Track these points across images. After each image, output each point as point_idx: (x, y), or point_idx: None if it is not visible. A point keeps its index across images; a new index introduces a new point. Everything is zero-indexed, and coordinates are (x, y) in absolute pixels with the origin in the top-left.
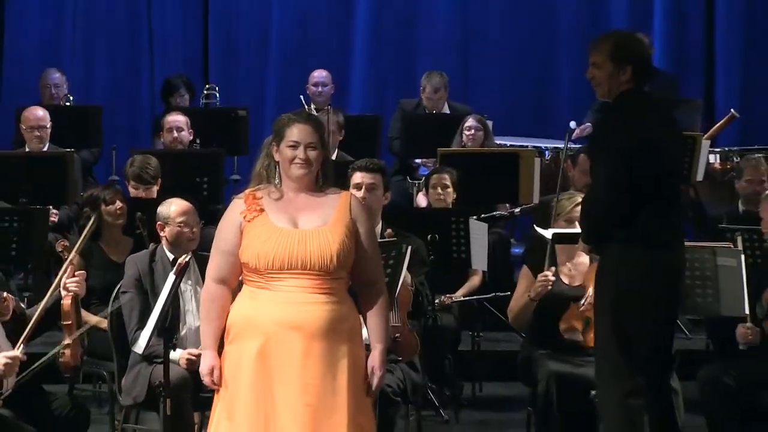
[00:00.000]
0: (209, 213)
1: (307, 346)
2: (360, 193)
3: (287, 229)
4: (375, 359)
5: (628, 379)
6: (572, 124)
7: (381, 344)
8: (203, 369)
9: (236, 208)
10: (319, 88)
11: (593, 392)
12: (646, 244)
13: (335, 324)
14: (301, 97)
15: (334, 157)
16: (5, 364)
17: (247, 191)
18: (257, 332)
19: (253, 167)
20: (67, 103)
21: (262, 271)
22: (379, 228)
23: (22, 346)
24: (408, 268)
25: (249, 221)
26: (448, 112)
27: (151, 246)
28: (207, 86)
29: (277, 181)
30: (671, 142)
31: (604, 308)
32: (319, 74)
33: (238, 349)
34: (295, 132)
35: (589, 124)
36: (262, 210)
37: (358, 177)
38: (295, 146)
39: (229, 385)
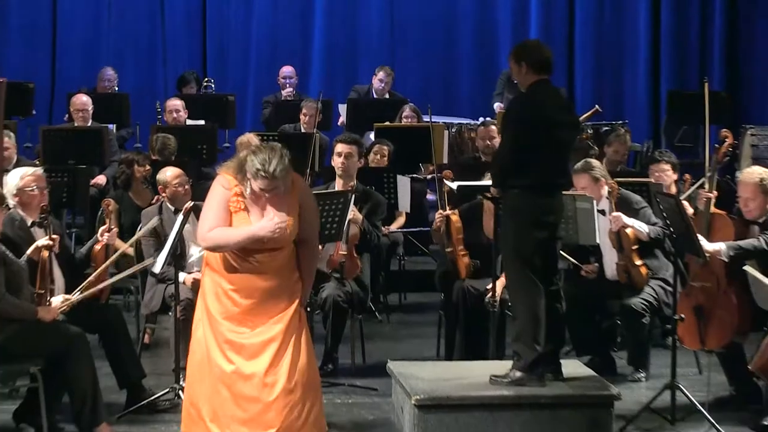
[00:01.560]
0: (206, 172)
1: (268, 283)
2: (340, 159)
3: None
4: None
5: (534, 285)
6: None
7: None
8: (270, 226)
9: (226, 196)
10: (287, 80)
11: (487, 297)
12: (538, 190)
13: (284, 263)
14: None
15: (314, 131)
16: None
17: (233, 184)
18: (229, 274)
19: (234, 157)
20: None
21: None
22: (353, 183)
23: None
24: (368, 215)
25: (235, 212)
26: (387, 97)
27: (158, 202)
28: (206, 79)
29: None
30: (566, 122)
31: (507, 236)
32: (287, 69)
33: (214, 280)
34: (263, 185)
35: (499, 104)
36: (245, 209)
37: (338, 147)
38: (262, 191)
39: (207, 301)
